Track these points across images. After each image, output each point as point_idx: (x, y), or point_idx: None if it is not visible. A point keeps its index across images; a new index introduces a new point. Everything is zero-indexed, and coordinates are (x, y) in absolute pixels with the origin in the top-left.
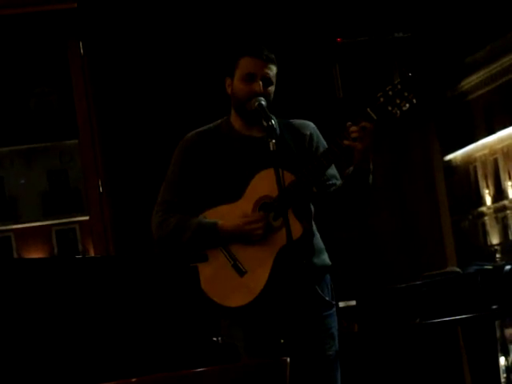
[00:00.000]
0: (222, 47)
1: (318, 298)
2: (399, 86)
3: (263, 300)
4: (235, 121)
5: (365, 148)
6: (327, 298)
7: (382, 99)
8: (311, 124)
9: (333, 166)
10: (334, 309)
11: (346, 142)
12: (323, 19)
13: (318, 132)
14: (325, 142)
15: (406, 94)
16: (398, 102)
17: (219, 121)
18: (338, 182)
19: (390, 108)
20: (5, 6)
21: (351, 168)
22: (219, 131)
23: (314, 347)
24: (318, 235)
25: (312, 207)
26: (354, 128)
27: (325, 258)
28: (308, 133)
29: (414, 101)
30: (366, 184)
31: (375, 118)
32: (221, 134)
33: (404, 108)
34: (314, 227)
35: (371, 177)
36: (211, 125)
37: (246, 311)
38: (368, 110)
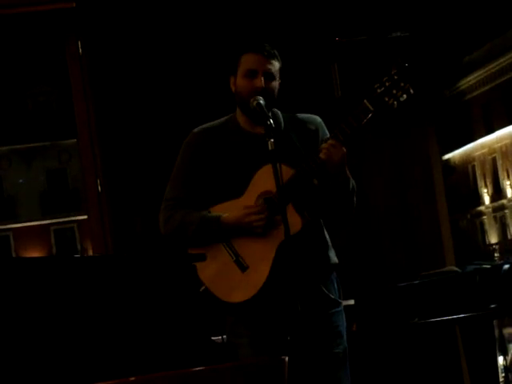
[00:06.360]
0: (222, 47)
1: (323, 295)
2: (395, 77)
3: (268, 296)
4: (240, 118)
5: (335, 164)
6: (332, 296)
7: (378, 90)
8: (318, 118)
9: None
10: (342, 307)
11: (321, 156)
12: (322, 18)
13: (323, 126)
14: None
15: (402, 84)
16: (394, 92)
17: (225, 118)
18: None
19: (387, 99)
20: (3, 5)
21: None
22: (225, 128)
23: (321, 345)
24: (325, 231)
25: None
26: (323, 145)
27: (331, 255)
28: (314, 128)
29: (411, 91)
30: (346, 191)
31: (372, 109)
32: (226, 131)
33: (401, 99)
34: (322, 222)
35: (351, 184)
36: (217, 121)
37: (252, 308)
38: (365, 101)
